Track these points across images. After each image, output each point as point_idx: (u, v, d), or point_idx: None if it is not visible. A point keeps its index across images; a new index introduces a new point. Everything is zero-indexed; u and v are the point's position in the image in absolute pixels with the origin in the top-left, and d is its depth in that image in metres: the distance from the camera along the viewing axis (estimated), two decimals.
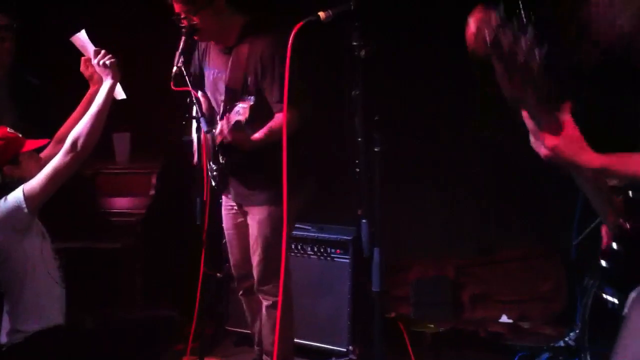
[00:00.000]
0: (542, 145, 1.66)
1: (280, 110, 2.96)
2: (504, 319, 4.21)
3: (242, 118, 2.83)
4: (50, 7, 4.56)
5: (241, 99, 2.89)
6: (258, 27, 3.11)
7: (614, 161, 1.65)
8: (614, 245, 1.85)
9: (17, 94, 3.67)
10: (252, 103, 2.83)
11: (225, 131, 2.94)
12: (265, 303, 3.34)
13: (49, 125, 3.25)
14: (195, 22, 2.99)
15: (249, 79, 3.06)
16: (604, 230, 2.06)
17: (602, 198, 1.87)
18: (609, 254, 1.85)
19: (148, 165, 4.33)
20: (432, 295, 4.38)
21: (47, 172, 2.66)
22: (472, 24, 1.54)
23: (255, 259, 3.28)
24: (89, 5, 4.47)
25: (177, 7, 2.99)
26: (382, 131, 2.38)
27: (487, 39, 1.51)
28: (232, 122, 2.89)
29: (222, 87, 3.17)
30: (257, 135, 3.04)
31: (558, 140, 1.63)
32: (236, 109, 2.86)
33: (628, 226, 1.82)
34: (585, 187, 1.89)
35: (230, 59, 3.12)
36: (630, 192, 1.89)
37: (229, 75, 3.12)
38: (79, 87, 3.11)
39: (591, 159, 1.64)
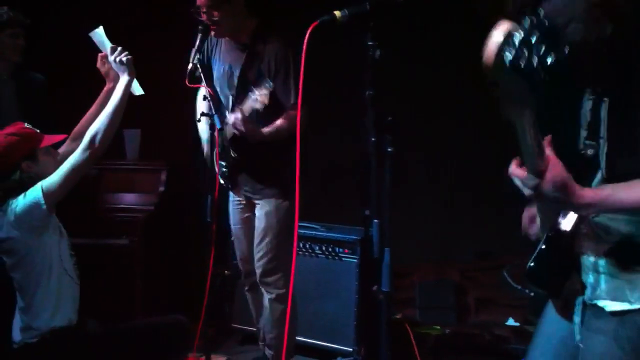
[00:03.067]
0: (527, 184, 1.58)
1: (293, 109, 2.98)
2: (511, 321, 4.21)
3: (259, 105, 2.84)
4: (56, 6, 4.56)
5: (258, 86, 2.89)
6: (273, 27, 3.13)
7: (602, 196, 1.59)
8: (542, 246, 1.84)
9: (23, 91, 3.69)
10: (271, 89, 2.84)
11: (238, 122, 2.94)
12: (267, 296, 3.34)
13: (54, 122, 3.27)
14: (215, 17, 3.02)
15: (263, 76, 3.07)
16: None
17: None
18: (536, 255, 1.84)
19: (157, 162, 4.35)
20: (437, 298, 4.38)
21: (66, 169, 2.67)
22: (493, 43, 1.42)
23: (259, 251, 3.29)
24: (96, 4, 4.48)
25: (199, 0, 3.02)
26: (394, 132, 2.38)
27: (508, 60, 1.40)
28: (247, 111, 2.89)
29: (233, 82, 3.19)
30: (267, 129, 3.07)
31: (545, 178, 1.55)
32: (253, 96, 2.87)
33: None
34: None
35: (245, 56, 3.14)
36: None
37: (243, 71, 3.15)
38: (84, 85, 3.12)
39: (581, 195, 1.57)
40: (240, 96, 3.11)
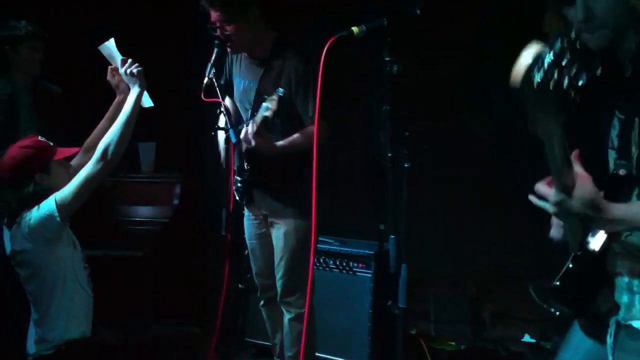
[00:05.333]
0: (552, 200, 1.58)
1: (311, 124, 2.97)
2: (527, 338, 4.17)
3: (269, 113, 2.84)
4: (66, 17, 4.58)
5: (269, 95, 2.89)
6: (292, 42, 3.12)
7: (633, 212, 1.58)
8: (570, 265, 1.80)
9: (41, 103, 3.71)
10: (281, 94, 2.82)
11: (248, 135, 2.94)
12: (287, 316, 3.33)
13: (68, 133, 3.28)
14: (229, 32, 3.01)
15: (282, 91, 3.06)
16: None
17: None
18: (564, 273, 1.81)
19: (172, 174, 4.36)
20: (452, 312, 4.35)
21: (79, 181, 2.67)
22: (522, 64, 1.44)
23: (279, 271, 3.28)
24: (108, 15, 4.50)
25: (214, 16, 3.01)
26: (410, 147, 2.37)
27: (537, 81, 1.42)
28: (258, 122, 2.88)
29: (252, 97, 3.19)
30: (281, 142, 3.06)
31: (574, 194, 1.55)
32: (264, 105, 2.86)
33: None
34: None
35: (263, 70, 3.14)
36: None
37: (260, 86, 3.14)
38: (94, 97, 3.13)
39: (610, 211, 1.57)
40: (257, 110, 3.11)
